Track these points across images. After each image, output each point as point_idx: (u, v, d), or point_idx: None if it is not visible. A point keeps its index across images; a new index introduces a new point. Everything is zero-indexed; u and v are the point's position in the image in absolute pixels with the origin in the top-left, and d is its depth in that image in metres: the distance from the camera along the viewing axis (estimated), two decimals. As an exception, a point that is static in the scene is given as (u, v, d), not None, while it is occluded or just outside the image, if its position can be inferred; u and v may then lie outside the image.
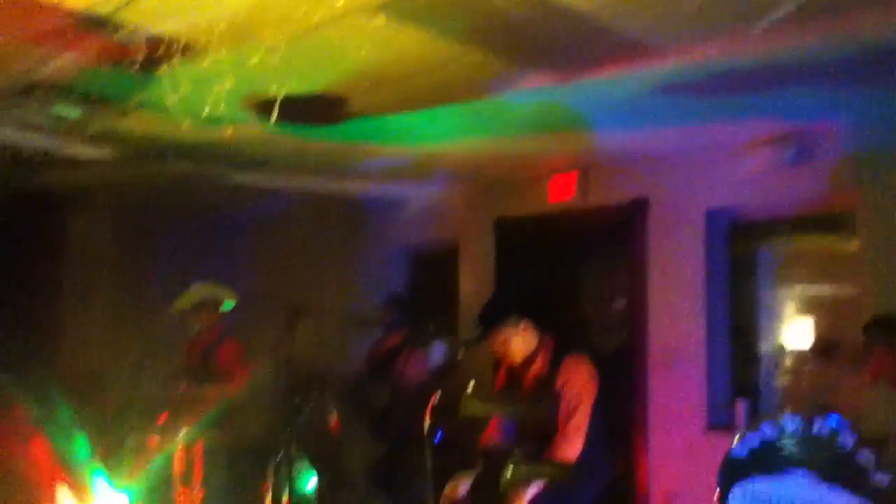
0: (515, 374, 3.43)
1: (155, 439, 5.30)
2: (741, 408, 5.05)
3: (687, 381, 5.18)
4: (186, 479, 5.26)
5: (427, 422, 2.60)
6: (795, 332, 5.14)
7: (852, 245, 4.67)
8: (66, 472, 4.51)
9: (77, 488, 4.30)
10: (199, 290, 5.44)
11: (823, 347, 4.79)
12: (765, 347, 5.28)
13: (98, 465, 4.55)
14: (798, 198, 4.77)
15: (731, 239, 5.32)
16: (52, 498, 4.23)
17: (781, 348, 5.16)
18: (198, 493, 5.27)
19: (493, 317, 3.36)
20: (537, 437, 3.20)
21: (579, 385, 3.29)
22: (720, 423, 5.00)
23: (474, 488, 3.00)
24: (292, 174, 6.29)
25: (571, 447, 3.16)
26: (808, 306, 5.09)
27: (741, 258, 5.34)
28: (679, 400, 5.21)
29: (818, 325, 4.96)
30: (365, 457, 2.91)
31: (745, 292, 5.34)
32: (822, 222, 4.90)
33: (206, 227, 7.57)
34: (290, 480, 4.02)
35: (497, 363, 3.61)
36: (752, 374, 5.28)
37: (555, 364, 3.36)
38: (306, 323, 3.38)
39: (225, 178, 6.27)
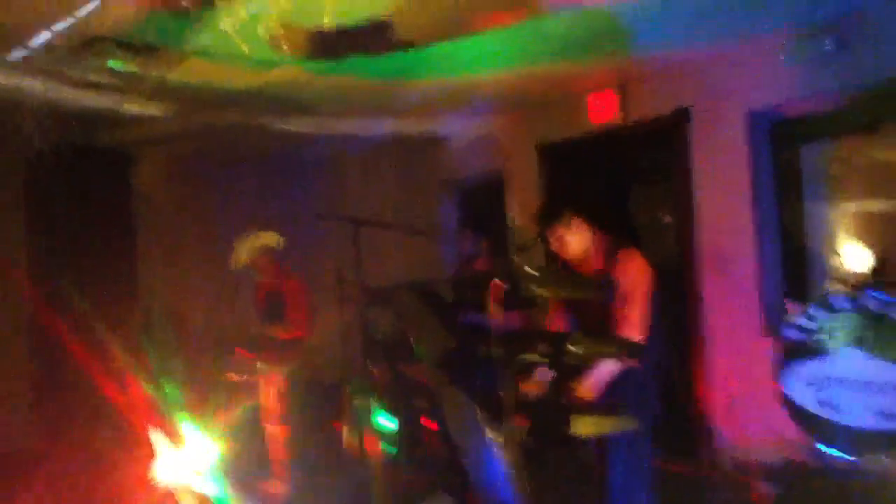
0: (572, 270, 3.58)
1: (232, 377, 5.54)
2: (792, 310, 5.11)
3: (740, 288, 5.26)
4: (272, 415, 5.51)
5: (491, 309, 2.75)
6: (845, 237, 5.16)
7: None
8: (159, 416, 4.74)
9: (169, 433, 4.50)
10: (247, 244, 5.60)
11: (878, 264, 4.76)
12: (815, 249, 5.32)
13: (186, 412, 4.77)
14: (840, 89, 4.77)
15: (775, 140, 5.33)
16: (147, 441, 4.42)
17: (832, 250, 5.19)
18: (282, 428, 5.53)
19: (549, 215, 3.53)
20: (596, 325, 3.36)
21: (635, 274, 3.43)
22: (774, 325, 5.05)
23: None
24: (337, 118, 6.45)
25: (631, 332, 3.32)
26: (858, 216, 5.10)
27: (787, 159, 5.35)
28: (733, 305, 5.31)
29: (870, 240, 4.92)
30: (436, 354, 3.08)
31: (792, 193, 5.36)
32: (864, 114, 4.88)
33: (258, 173, 7.81)
34: (366, 413, 4.17)
35: (553, 261, 3.76)
36: (804, 277, 5.32)
37: (610, 259, 3.50)
38: (368, 235, 3.53)
39: (273, 126, 6.45)
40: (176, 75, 5.00)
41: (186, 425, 4.59)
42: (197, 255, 7.15)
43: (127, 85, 4.95)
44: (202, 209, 7.44)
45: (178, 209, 7.36)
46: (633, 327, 3.35)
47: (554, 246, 3.56)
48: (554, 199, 3.88)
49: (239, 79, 5.20)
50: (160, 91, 5.21)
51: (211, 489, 4.29)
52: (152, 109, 5.61)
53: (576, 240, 3.54)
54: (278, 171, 7.93)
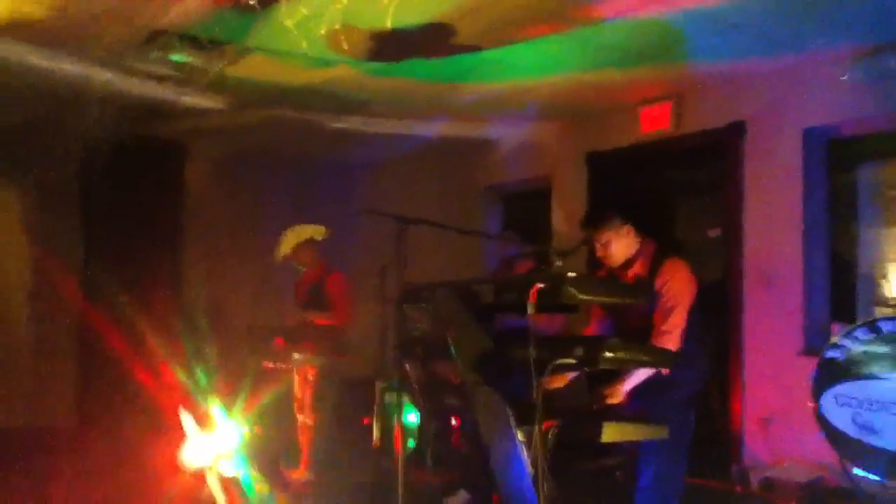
0: (615, 276, 3.59)
1: (268, 365, 5.63)
2: (837, 331, 5.01)
3: (784, 306, 5.19)
4: (304, 406, 5.59)
5: (530, 310, 2.76)
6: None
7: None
8: (189, 399, 4.85)
9: (199, 415, 4.60)
10: (291, 235, 5.70)
11: None
12: (865, 271, 5.22)
13: (216, 396, 4.87)
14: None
15: (830, 158, 5.25)
16: (177, 423, 4.52)
17: (882, 273, 5.08)
18: (313, 419, 5.61)
19: (598, 219, 3.55)
20: (634, 332, 3.36)
21: (678, 286, 3.43)
22: (817, 344, 4.96)
23: (575, 377, 3.19)
24: (389, 118, 6.52)
25: (667, 342, 3.31)
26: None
27: (841, 178, 5.26)
28: (776, 322, 5.22)
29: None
30: (472, 354, 3.10)
31: (845, 213, 5.27)
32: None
33: (307, 170, 7.93)
34: (396, 409, 4.21)
35: (597, 266, 3.77)
36: (851, 299, 5.22)
37: (655, 267, 3.50)
38: (411, 233, 3.58)
39: (325, 124, 6.56)
40: (235, 70, 5.14)
41: (217, 410, 4.67)
42: (241, 246, 7.28)
43: (187, 77, 5.08)
44: (249, 202, 7.59)
45: (226, 201, 7.52)
46: (671, 337, 3.34)
47: (599, 251, 3.57)
48: (603, 203, 3.89)
49: (296, 76, 5.31)
50: (218, 84, 5.35)
51: (238, 473, 4.36)
52: (209, 102, 5.75)
53: (622, 245, 3.55)
54: (326, 168, 8.05)
